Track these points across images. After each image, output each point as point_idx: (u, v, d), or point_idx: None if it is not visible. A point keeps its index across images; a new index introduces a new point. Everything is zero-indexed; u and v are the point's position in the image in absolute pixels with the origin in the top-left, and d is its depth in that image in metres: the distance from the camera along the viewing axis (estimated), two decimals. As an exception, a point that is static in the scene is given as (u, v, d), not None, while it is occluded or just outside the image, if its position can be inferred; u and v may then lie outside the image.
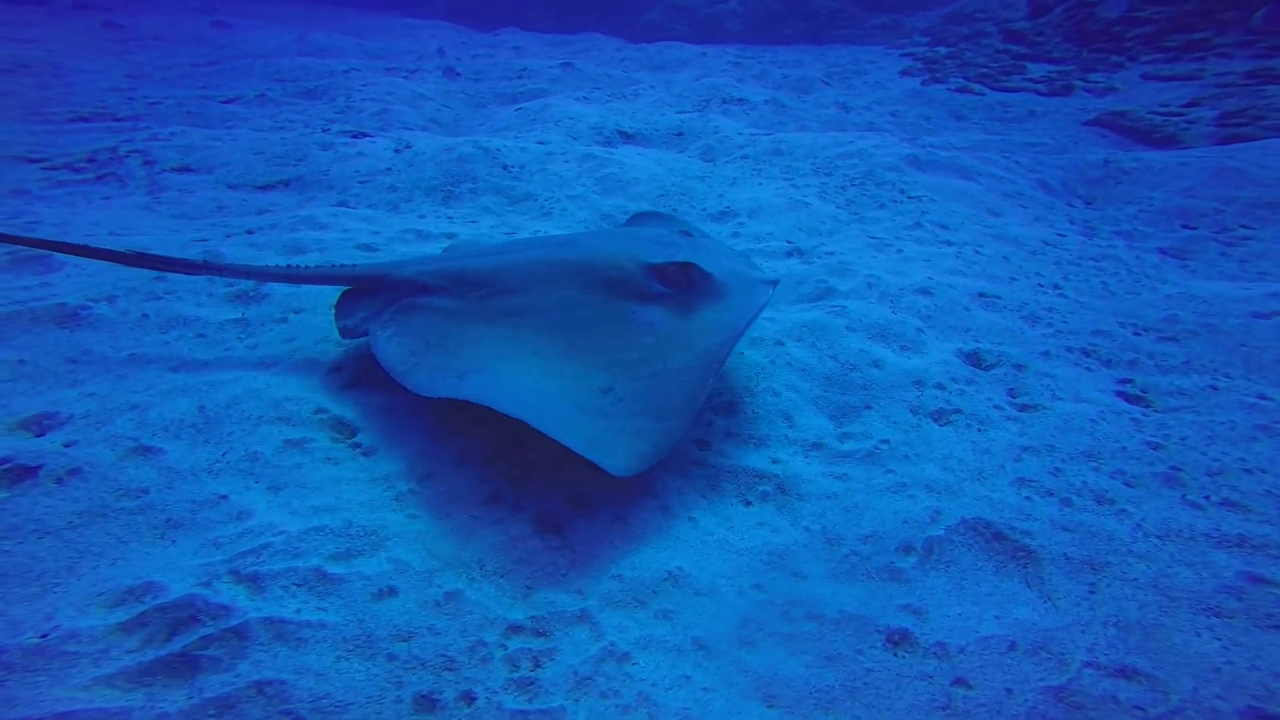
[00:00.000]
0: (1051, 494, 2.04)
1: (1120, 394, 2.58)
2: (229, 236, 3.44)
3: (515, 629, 1.55)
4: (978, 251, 3.79)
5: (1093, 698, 1.45)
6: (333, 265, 2.48)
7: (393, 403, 2.23)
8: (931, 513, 1.93)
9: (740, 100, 8.06)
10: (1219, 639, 1.57)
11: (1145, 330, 3.00)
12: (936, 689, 1.47)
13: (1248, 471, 2.13)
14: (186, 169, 4.46)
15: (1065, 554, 1.82)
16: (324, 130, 5.60)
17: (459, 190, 4.39)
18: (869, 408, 2.43)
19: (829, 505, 1.98)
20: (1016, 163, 5.63)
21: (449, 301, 2.27)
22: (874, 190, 4.75)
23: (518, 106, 6.88)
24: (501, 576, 1.68)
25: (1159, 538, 1.87)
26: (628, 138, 6.11)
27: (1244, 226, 4.30)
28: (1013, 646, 1.56)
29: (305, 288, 2.78)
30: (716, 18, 17.49)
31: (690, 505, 1.97)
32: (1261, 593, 1.69)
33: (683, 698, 1.43)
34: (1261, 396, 2.51)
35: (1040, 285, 3.43)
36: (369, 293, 2.40)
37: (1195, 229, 4.45)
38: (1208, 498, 2.02)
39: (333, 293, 2.56)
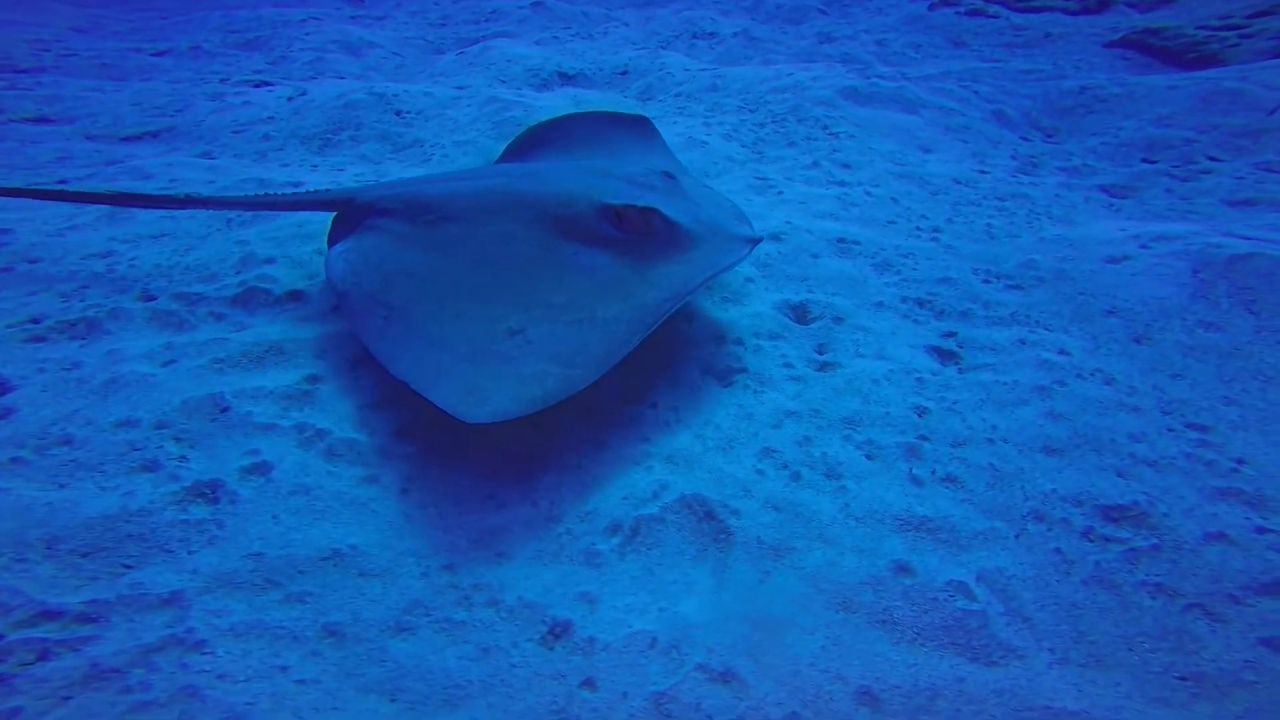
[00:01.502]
0: (786, 467, 1.81)
1: (934, 349, 2.27)
2: (59, 183, 3.42)
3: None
4: (868, 193, 3.40)
5: (683, 705, 1.27)
6: (310, 191, 2.52)
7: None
8: (657, 487, 1.74)
9: (710, 34, 7.52)
10: (826, 638, 1.37)
11: (998, 278, 2.62)
12: (563, 690, 1.32)
13: (990, 441, 1.87)
14: (43, 119, 4.42)
15: (759, 538, 1.61)
16: (222, 81, 5.50)
17: (339, 138, 4.23)
18: (667, 368, 2.19)
19: (570, 478, 1.79)
20: (975, 93, 5.04)
21: (399, 225, 2.23)
22: (793, 127, 4.33)
23: (460, 51, 6.60)
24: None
25: (857, 520, 1.64)
26: (568, 79, 5.78)
27: (1210, 159, 3.72)
28: (653, 644, 1.39)
29: (284, 215, 2.89)
30: None
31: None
32: (896, 584, 1.50)
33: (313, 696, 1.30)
34: (1062, 351, 2.18)
35: (918, 229, 3.05)
36: (344, 218, 2.38)
37: (1155, 162, 3.90)
38: (934, 472, 1.77)
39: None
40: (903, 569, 1.51)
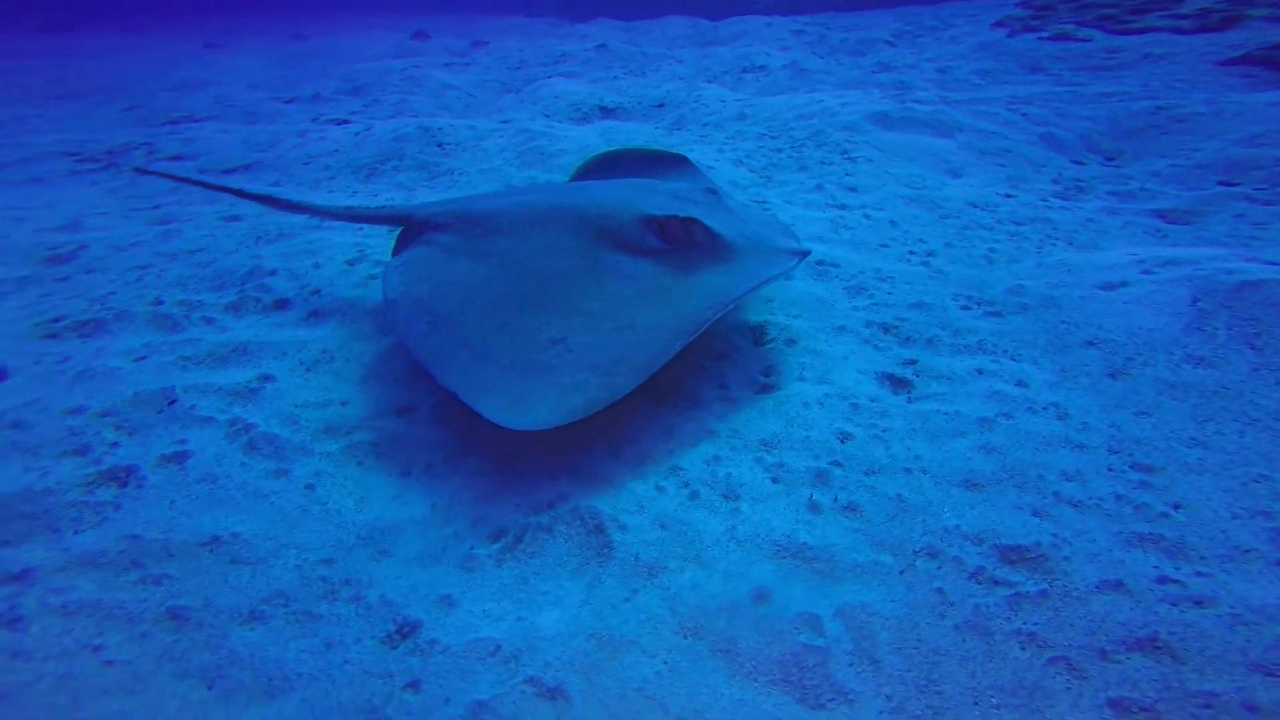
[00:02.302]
0: (687, 485, 1.76)
1: (887, 376, 2.13)
2: (153, 209, 3.94)
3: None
4: (867, 216, 3.27)
5: (499, 717, 1.26)
6: (380, 207, 2.72)
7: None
8: (555, 497, 1.74)
9: (760, 68, 7.58)
10: (664, 664, 1.34)
11: (979, 304, 2.44)
12: (384, 690, 1.32)
13: (907, 471, 1.71)
14: (178, 156, 5.13)
15: (638, 555, 1.57)
16: (312, 120, 6.12)
17: (384, 168, 4.60)
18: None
19: (475, 484, 1.83)
20: (1024, 115, 4.77)
21: (450, 238, 2.33)
22: (810, 151, 4.26)
23: (519, 90, 7.02)
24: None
25: (738, 543, 1.57)
26: (607, 112, 6.00)
27: (1300, 179, 3.27)
28: (494, 652, 1.38)
29: (300, 235, 3.30)
30: None
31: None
32: (750, 612, 1.43)
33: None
34: (1020, 383, 1.99)
35: (911, 253, 2.90)
36: (406, 232, 2.52)
37: (1235, 185, 3.51)
38: (835, 499, 1.66)
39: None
40: (761, 597, 1.42)
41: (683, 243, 2.07)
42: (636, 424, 1.97)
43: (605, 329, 1.85)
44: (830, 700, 1.22)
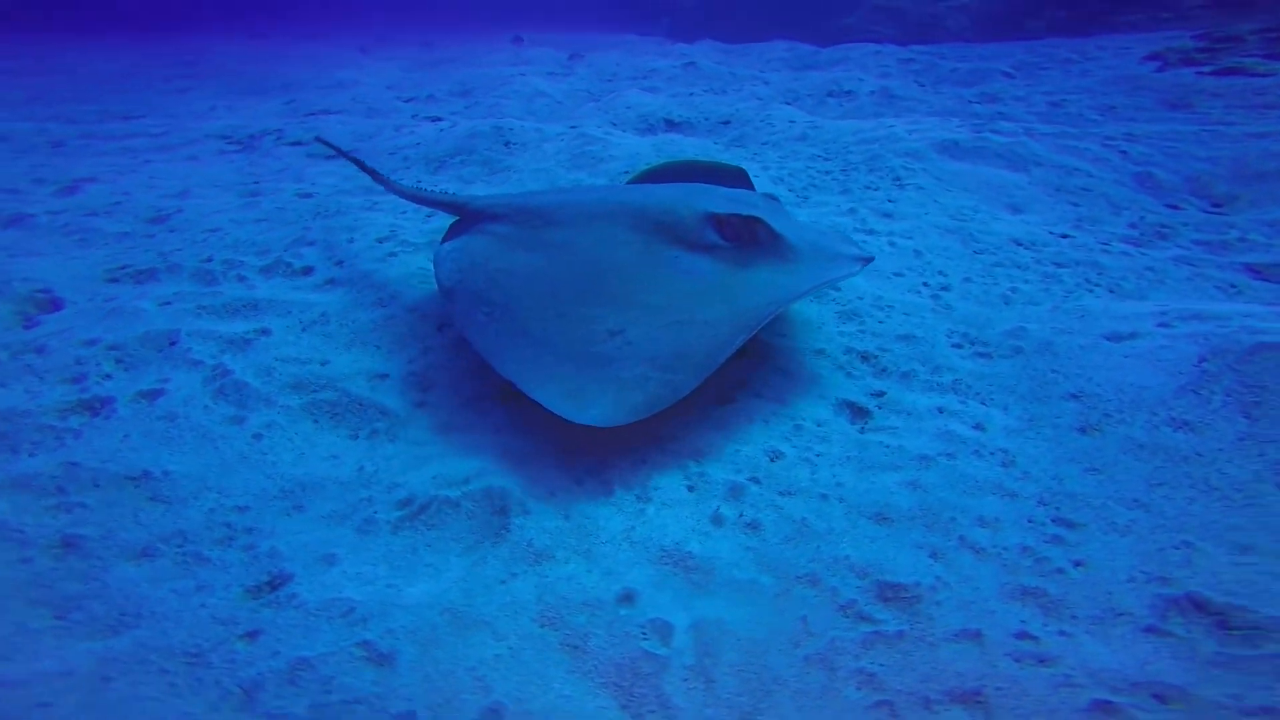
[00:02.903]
0: (605, 482, 1.78)
1: (848, 404, 2.06)
2: (254, 184, 4.45)
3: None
4: (892, 243, 3.14)
5: (316, 674, 1.29)
6: (442, 192, 2.74)
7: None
8: (472, 474, 1.79)
9: (847, 93, 7.40)
10: (508, 649, 1.36)
11: (972, 343, 2.28)
12: (220, 635, 1.36)
13: (823, 497, 1.68)
14: (297, 143, 5.73)
15: (531, 541, 1.60)
16: (412, 117, 6.62)
17: (452, 161, 4.92)
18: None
19: (406, 451, 1.92)
20: (1122, 153, 4.39)
21: (507, 229, 2.34)
22: (861, 175, 4.14)
23: (599, 100, 7.26)
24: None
25: (631, 543, 1.59)
26: (673, 125, 6.09)
27: None
28: (347, 613, 1.41)
29: (349, 214, 3.61)
30: (935, 16, 15.69)
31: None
32: (610, 612, 1.43)
33: None
34: (978, 426, 1.88)
35: (924, 284, 2.76)
36: (461, 222, 2.56)
37: None
38: (740, 515, 1.65)
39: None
40: (627, 598, 1.42)
41: (745, 240, 2.04)
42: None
43: (664, 322, 1.84)
44: (650, 712, 1.21)
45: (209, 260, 2.96)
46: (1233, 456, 1.65)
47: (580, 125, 5.77)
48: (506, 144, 5.15)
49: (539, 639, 1.36)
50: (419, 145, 5.33)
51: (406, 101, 8.32)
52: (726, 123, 5.95)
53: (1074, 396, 1.92)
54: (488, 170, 4.77)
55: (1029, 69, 9.35)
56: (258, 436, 1.93)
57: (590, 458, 1.82)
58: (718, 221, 2.06)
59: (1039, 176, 4.11)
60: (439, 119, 6.51)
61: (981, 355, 2.21)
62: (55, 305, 2.64)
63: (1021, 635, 1.28)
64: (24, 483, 1.72)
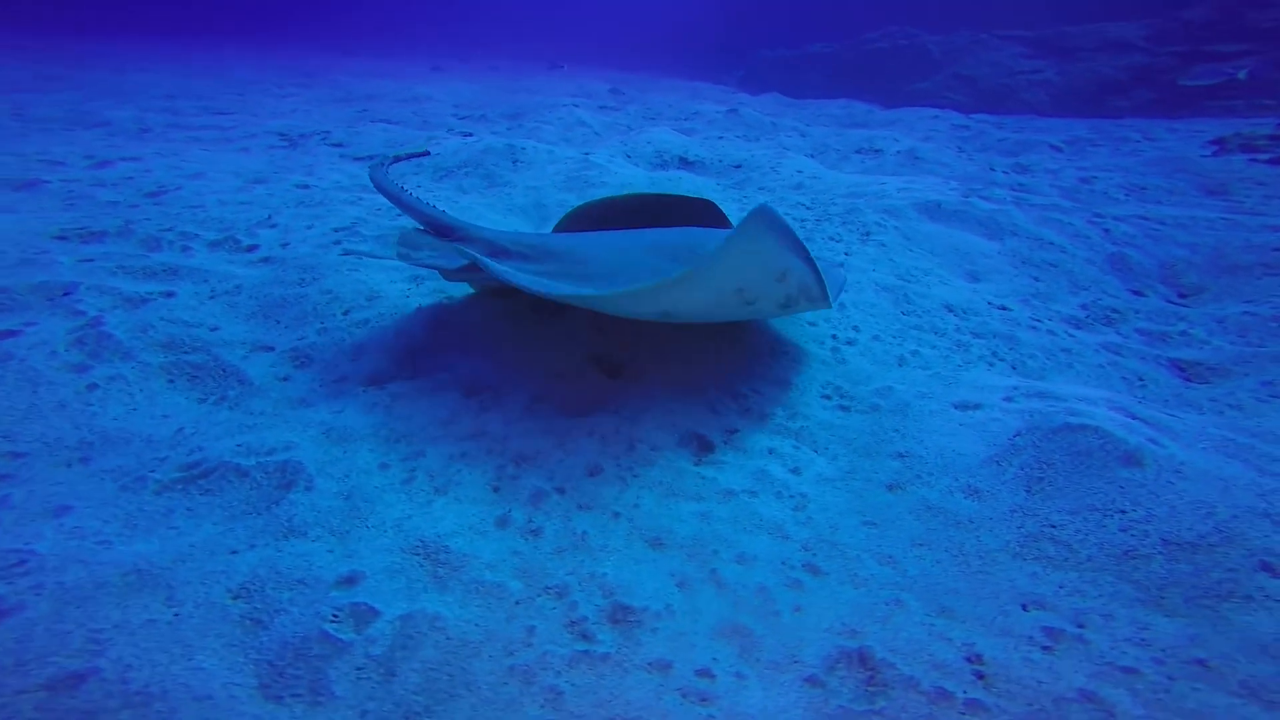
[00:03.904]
0: (413, 470, 1.82)
1: (697, 436, 2.03)
2: (272, 174, 4.79)
3: None
4: (822, 292, 3.11)
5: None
6: (430, 205, 2.70)
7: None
8: (283, 445, 1.83)
9: (876, 151, 7.40)
10: (176, 615, 1.35)
11: (841, 395, 2.27)
12: None
13: (615, 515, 1.69)
14: (338, 145, 6.15)
15: (292, 516, 1.60)
16: (448, 131, 6.99)
17: (458, 172, 5.17)
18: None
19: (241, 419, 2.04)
20: (1105, 231, 4.22)
21: (533, 266, 2.32)
22: (830, 227, 4.14)
23: (628, 134, 7.49)
24: None
25: (395, 531, 1.60)
26: (686, 164, 6.22)
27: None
28: (18, 564, 1.42)
29: (315, 208, 3.70)
30: (1010, 88, 15.39)
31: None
32: (278, 593, 1.42)
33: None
34: (794, 470, 1.87)
35: (832, 336, 2.73)
36: (439, 234, 2.52)
37: None
38: (530, 520, 1.66)
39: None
40: (348, 581, 1.42)
41: None
42: (418, 408, 2.08)
43: None
44: (295, 696, 1.19)
45: (167, 230, 3.22)
46: (995, 526, 1.59)
47: (593, 153, 5.97)
48: (514, 161, 5.37)
49: (219, 609, 1.34)
50: (437, 156, 5.62)
51: (460, 119, 8.79)
52: (738, 166, 6.04)
53: (900, 455, 1.87)
54: (486, 183, 4.99)
55: (1080, 144, 9.13)
56: (93, 387, 2.04)
57: (411, 448, 1.87)
58: None
59: (1011, 246, 4.01)
60: (469, 135, 6.85)
61: (842, 408, 2.16)
62: None
63: (703, 673, 1.25)
64: None
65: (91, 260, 2.84)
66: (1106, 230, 4.27)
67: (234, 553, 1.48)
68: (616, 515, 1.68)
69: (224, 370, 2.21)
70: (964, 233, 4.18)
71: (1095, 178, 6.61)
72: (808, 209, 4.57)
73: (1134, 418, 1.95)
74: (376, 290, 2.80)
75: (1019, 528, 1.59)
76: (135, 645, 1.26)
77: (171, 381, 2.15)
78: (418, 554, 1.51)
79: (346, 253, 3.05)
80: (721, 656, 1.30)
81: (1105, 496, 1.62)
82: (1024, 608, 1.40)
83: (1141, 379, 2.61)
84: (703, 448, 2.00)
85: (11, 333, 2.25)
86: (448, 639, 1.30)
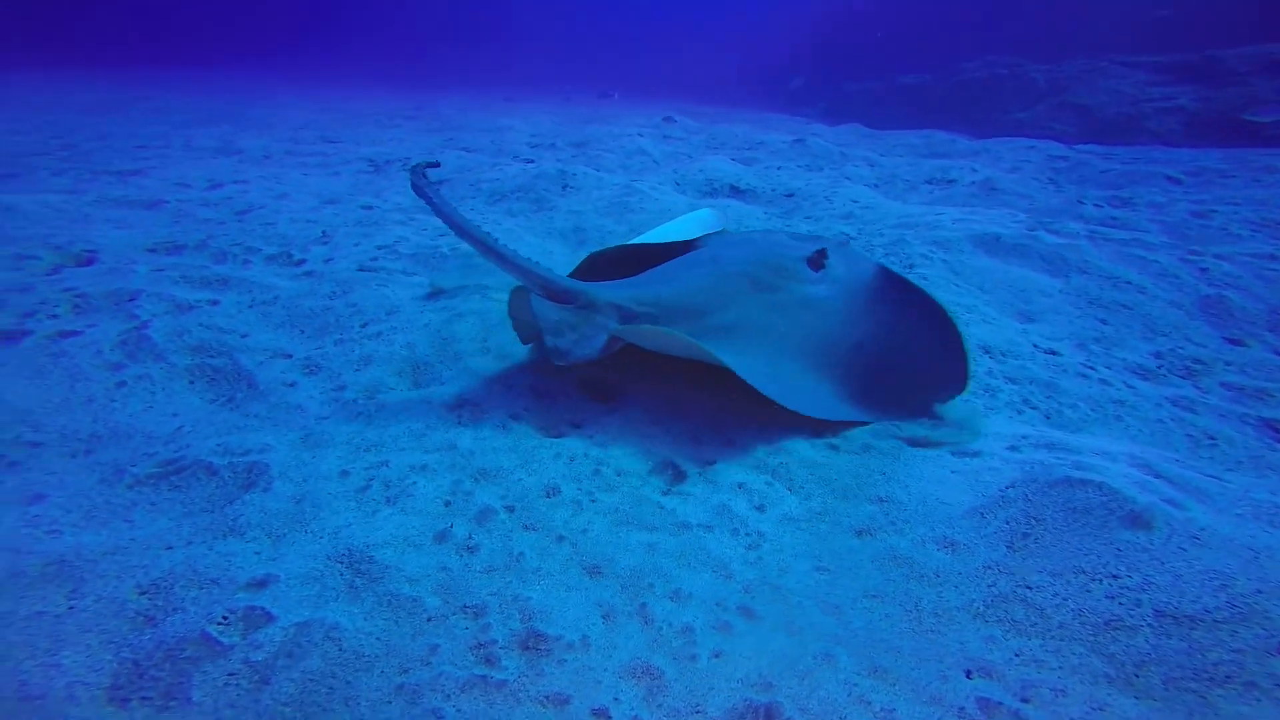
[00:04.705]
0: (372, 479, 1.85)
1: (671, 464, 1.96)
2: (347, 196, 5.17)
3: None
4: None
5: None
6: (537, 263, 2.31)
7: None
8: (263, 446, 1.92)
9: (949, 181, 7.05)
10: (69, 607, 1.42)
11: (830, 432, 2.07)
12: None
13: (560, 539, 1.63)
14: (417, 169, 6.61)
15: (239, 516, 1.72)
16: (513, 157, 7.30)
17: (511, 196, 5.37)
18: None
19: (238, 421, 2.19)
20: (1202, 270, 3.83)
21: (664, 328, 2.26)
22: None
23: (684, 162, 7.54)
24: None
25: (331, 538, 1.63)
26: (737, 192, 6.16)
27: None
28: None
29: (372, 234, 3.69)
30: (1133, 117, 14.10)
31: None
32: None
33: None
34: (759, 508, 1.73)
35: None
36: (553, 297, 2.28)
37: None
38: (470, 536, 1.63)
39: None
40: (257, 584, 1.42)
41: (823, 268, 2.51)
42: (398, 419, 2.12)
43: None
44: (146, 700, 1.17)
45: (236, 245, 3.51)
46: (964, 582, 1.40)
47: (640, 180, 6.05)
48: (564, 187, 5.52)
49: (118, 605, 1.36)
50: (496, 181, 5.87)
51: (532, 147, 9.18)
52: (790, 195, 5.93)
53: (880, 500, 1.70)
54: (534, 207, 5.14)
55: (1207, 176, 8.29)
56: (121, 385, 2.21)
57: (374, 455, 1.91)
58: (812, 262, 2.49)
59: (1077, 285, 3.66)
60: (531, 161, 7.13)
61: (831, 447, 2.01)
62: (88, 262, 3.25)
63: (599, 713, 1.16)
64: None
65: (162, 270, 3.13)
66: (1204, 270, 3.82)
67: (169, 548, 1.52)
68: (561, 539, 1.62)
69: (239, 374, 2.35)
70: (1022, 268, 3.87)
71: (1214, 211, 5.97)
72: (852, 239, 4.39)
73: (1156, 476, 1.69)
74: (396, 305, 2.92)
75: (989, 586, 1.40)
76: (14, 637, 1.27)
77: (191, 383, 2.30)
78: (341, 562, 1.50)
79: (361, 269, 3.21)
80: (624, 697, 1.21)
81: (1097, 559, 1.41)
82: (967, 674, 1.22)
83: (1212, 438, 2.28)
84: (676, 477, 1.91)
85: (74, 333, 2.51)
86: (340, 651, 1.27)
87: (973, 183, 6.97)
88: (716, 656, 1.27)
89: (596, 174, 5.84)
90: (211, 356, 2.43)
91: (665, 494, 1.83)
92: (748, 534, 1.62)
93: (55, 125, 7.98)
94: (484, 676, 1.25)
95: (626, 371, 2.41)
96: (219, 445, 1.91)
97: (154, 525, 1.62)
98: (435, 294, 3.04)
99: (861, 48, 23.31)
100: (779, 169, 7.51)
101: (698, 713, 1.17)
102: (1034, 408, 2.38)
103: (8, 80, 13.04)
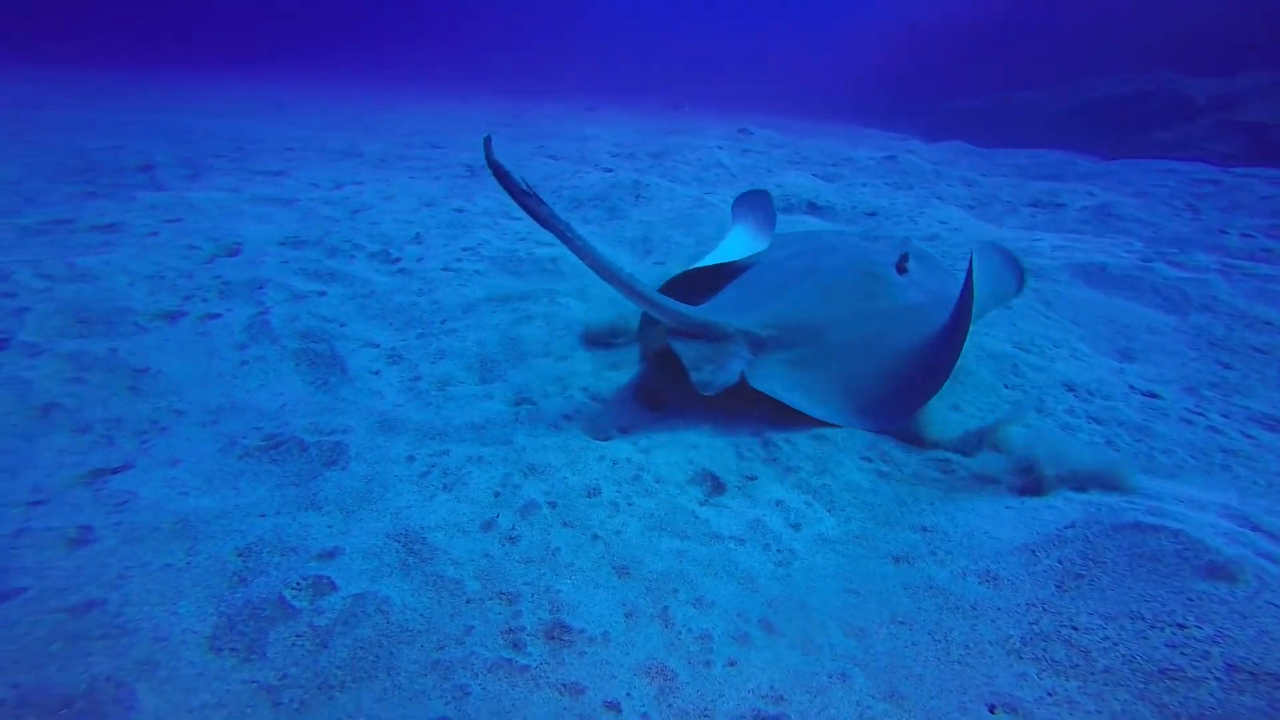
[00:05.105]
0: (434, 466, 2.01)
1: (711, 476, 1.99)
2: (443, 199, 5.53)
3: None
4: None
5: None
6: (672, 302, 2.34)
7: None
8: (340, 428, 2.12)
9: (1058, 205, 6.62)
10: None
11: (885, 460, 2.03)
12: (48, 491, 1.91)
13: (595, 538, 1.70)
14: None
15: (318, 493, 1.91)
16: (594, 165, 7.52)
17: (587, 204, 5.55)
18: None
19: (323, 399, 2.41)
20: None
21: (788, 354, 2.36)
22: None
23: (761, 176, 7.49)
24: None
25: (375, 514, 1.78)
26: (814, 209, 6.06)
27: None
28: (123, 504, 1.76)
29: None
30: None
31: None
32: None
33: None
34: (794, 525, 1.71)
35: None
36: (691, 333, 2.34)
37: None
38: (513, 528, 1.73)
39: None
40: (328, 555, 1.57)
41: (904, 270, 2.74)
42: (462, 411, 2.27)
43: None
44: (233, 650, 1.32)
45: (346, 242, 3.85)
46: (1000, 618, 1.34)
47: (713, 194, 6.08)
48: (636, 197, 5.64)
49: (220, 564, 1.53)
50: (576, 189, 6.09)
51: (614, 156, 9.39)
52: (872, 214, 5.77)
53: (923, 529, 1.64)
54: (607, 215, 5.29)
55: None
56: (244, 363, 2.49)
57: (438, 444, 2.05)
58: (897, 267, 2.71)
59: (1197, 323, 3.35)
60: (610, 170, 7.31)
61: (880, 474, 1.96)
62: (235, 253, 3.67)
63: (610, 706, 1.21)
64: (74, 355, 2.38)
65: (287, 262, 3.49)
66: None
67: (262, 516, 1.72)
68: (595, 538, 1.69)
69: (334, 360, 2.59)
70: (1130, 302, 3.58)
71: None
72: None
73: (1255, 529, 1.54)
74: (472, 304, 3.11)
75: (1031, 623, 1.34)
76: (145, 584, 1.47)
77: (297, 365, 2.56)
78: (398, 541, 1.62)
79: (446, 269, 3.44)
80: (636, 694, 1.25)
81: (1162, 606, 1.31)
82: (990, 709, 1.17)
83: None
84: (715, 489, 1.94)
85: (216, 315, 2.86)
86: (387, 623, 1.39)
87: (1085, 207, 6.50)
88: (731, 665, 1.29)
89: (670, 185, 5.93)
90: (315, 342, 2.68)
91: (702, 504, 1.86)
92: (779, 550, 1.63)
93: (229, 129, 8.93)
94: (510, 660, 1.33)
95: (681, 381, 2.46)
96: (311, 424, 2.12)
97: (254, 494, 1.83)
98: (508, 296, 3.21)
99: (970, 60, 22.21)
100: (863, 186, 7.31)
101: (705, 717, 1.19)
102: (1117, 450, 2.22)
103: (206, 88, 14.83)
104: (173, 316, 2.80)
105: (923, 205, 5.81)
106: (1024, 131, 16.40)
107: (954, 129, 17.68)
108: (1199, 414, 2.55)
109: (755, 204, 3.61)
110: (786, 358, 2.35)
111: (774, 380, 2.26)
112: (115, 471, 1.89)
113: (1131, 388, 2.73)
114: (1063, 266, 3.89)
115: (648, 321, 2.63)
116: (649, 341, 2.65)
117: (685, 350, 2.29)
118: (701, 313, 2.41)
